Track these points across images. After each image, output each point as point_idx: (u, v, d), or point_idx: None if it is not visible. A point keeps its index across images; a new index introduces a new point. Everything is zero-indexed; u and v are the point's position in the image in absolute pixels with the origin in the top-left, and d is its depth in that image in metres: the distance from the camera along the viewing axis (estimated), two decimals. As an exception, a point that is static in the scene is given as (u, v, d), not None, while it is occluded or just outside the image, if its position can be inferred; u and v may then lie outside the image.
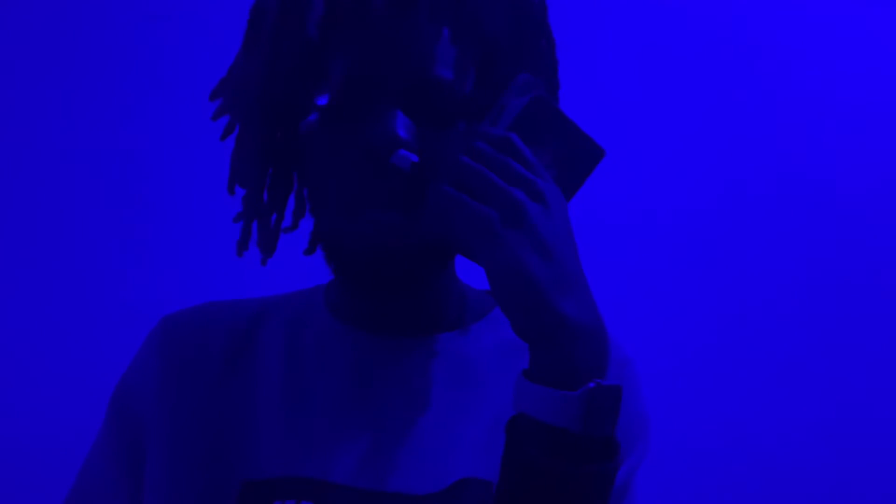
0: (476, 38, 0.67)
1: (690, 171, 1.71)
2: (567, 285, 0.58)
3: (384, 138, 0.63)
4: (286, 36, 0.68)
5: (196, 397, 0.73)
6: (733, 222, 1.70)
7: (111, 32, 1.75)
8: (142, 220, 1.71)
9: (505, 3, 0.70)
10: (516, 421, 0.60)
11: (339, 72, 0.65)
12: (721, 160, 1.72)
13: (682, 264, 1.68)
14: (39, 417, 1.61)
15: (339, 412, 0.70)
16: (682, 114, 1.72)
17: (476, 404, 0.71)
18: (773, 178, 1.70)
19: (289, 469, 0.67)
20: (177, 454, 0.71)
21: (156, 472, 0.71)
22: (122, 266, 1.68)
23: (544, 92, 0.67)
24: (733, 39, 1.74)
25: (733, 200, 1.71)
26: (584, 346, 0.58)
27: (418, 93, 0.65)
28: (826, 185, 1.70)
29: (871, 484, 1.63)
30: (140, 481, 0.72)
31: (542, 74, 0.72)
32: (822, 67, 1.73)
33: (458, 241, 0.61)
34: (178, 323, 0.77)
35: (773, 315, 1.67)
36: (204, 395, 0.73)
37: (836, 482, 1.63)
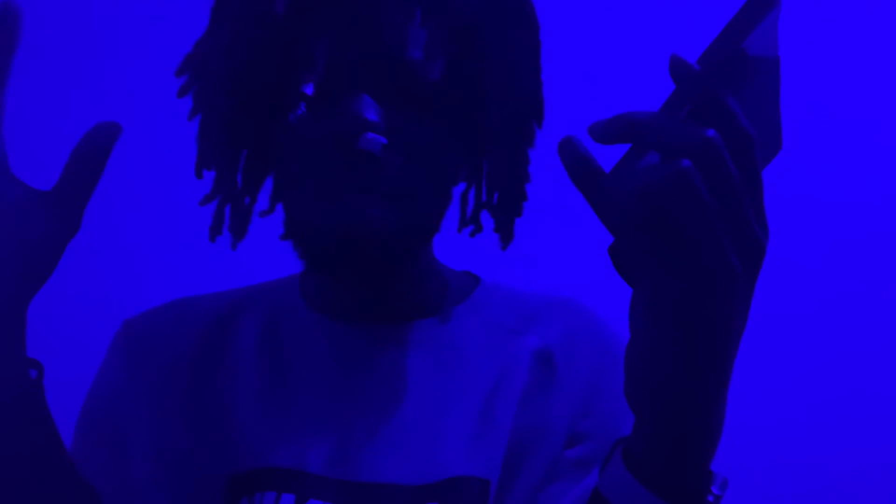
0: (448, 22, 0.64)
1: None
2: (726, 383, 0.47)
3: (351, 122, 0.61)
4: (251, 13, 0.65)
5: (171, 397, 0.71)
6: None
7: (113, 34, 1.74)
8: (141, 220, 1.68)
9: None
10: None
11: (306, 53, 0.63)
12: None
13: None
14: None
15: (319, 403, 0.69)
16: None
17: (462, 390, 0.69)
18: (779, 179, 1.68)
19: (269, 460, 0.66)
20: (160, 456, 0.69)
21: (140, 475, 0.70)
22: (99, 264, 1.67)
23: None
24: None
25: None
26: (713, 454, 0.49)
27: (388, 76, 0.62)
28: (832, 184, 1.69)
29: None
30: (124, 488, 0.70)
31: (521, 63, 0.69)
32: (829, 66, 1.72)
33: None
34: (139, 326, 0.75)
35: (773, 313, 1.66)
36: (179, 394, 0.71)
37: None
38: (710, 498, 0.50)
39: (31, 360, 0.59)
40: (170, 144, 1.66)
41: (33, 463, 0.60)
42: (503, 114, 0.67)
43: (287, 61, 0.64)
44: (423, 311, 0.72)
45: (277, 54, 0.64)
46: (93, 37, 1.77)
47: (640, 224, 0.41)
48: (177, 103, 0.71)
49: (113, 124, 0.54)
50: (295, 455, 0.66)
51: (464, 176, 0.73)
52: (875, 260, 1.67)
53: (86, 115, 1.74)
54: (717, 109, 0.41)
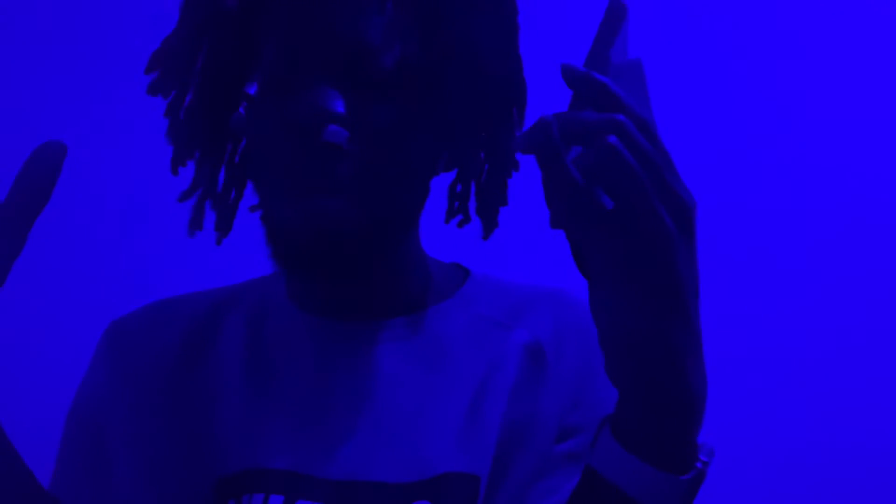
0: (412, 4, 0.63)
1: (692, 172, 1.69)
2: (697, 343, 0.49)
3: (314, 114, 0.60)
4: (207, 7, 0.65)
5: (156, 398, 0.70)
6: (735, 222, 1.69)
7: (112, 33, 1.74)
8: (129, 220, 1.69)
9: None
10: (602, 485, 0.52)
11: (264, 46, 0.63)
12: (721, 160, 1.70)
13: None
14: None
15: (304, 402, 0.68)
16: (685, 114, 1.71)
17: (449, 386, 0.68)
18: (773, 179, 1.69)
19: (256, 461, 0.65)
20: (145, 458, 0.69)
21: (126, 478, 0.69)
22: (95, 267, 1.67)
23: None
24: (734, 40, 1.71)
25: (736, 200, 1.69)
26: (700, 420, 0.51)
27: (350, 65, 0.62)
28: (825, 185, 1.69)
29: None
30: (111, 492, 0.70)
31: (492, 45, 0.67)
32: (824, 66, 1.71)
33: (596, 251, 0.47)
34: (126, 327, 0.75)
35: (771, 313, 1.66)
36: (164, 395, 0.70)
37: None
38: (699, 464, 0.51)
39: None
40: (156, 145, 1.66)
41: None
42: (472, 97, 0.66)
43: (248, 55, 0.64)
44: (409, 306, 0.72)
45: (237, 48, 0.64)
46: (81, 36, 1.77)
47: (587, 205, 0.44)
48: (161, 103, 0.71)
49: (58, 143, 0.53)
50: (282, 455, 0.65)
51: (447, 165, 0.71)
52: (871, 259, 1.66)
53: (72, 115, 1.74)
54: (612, 103, 0.46)
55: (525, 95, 0.71)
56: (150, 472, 0.68)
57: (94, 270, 1.68)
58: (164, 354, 0.72)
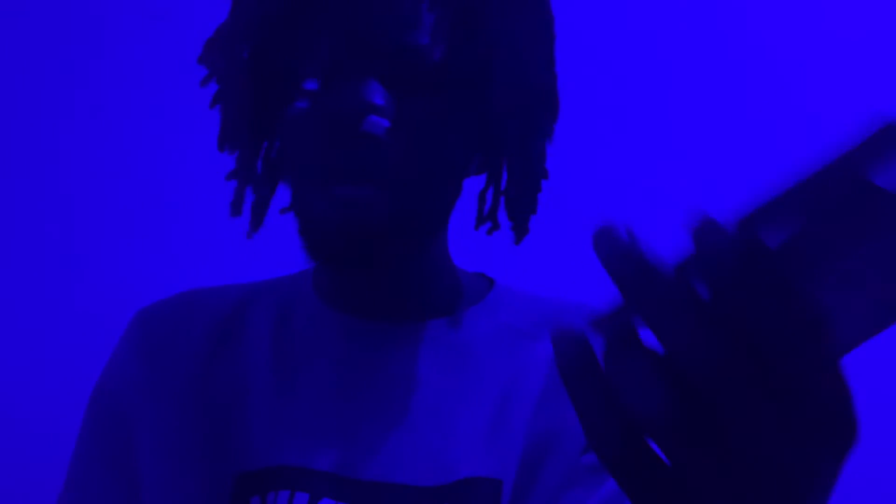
0: (454, 5, 0.63)
1: (693, 172, 1.70)
2: None
3: (354, 105, 0.60)
4: (255, 1, 0.65)
5: (182, 389, 0.70)
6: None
7: (113, 32, 1.74)
8: (140, 216, 1.69)
9: None
10: None
11: (310, 40, 0.63)
12: (725, 161, 1.70)
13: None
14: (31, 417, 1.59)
15: (330, 400, 0.68)
16: (687, 112, 1.71)
17: (474, 392, 0.68)
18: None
19: (282, 458, 0.65)
20: (168, 449, 0.68)
21: (148, 468, 0.69)
22: (115, 259, 1.67)
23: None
24: (731, 39, 1.71)
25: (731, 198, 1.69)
26: None
27: (392, 59, 0.62)
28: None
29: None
30: (134, 480, 0.70)
31: (530, 52, 0.68)
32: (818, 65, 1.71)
33: None
34: (154, 315, 0.75)
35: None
36: (190, 385, 0.70)
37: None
38: None
39: None
40: (185, 144, 1.66)
41: None
42: (509, 101, 0.67)
43: (291, 49, 0.64)
44: (437, 310, 0.72)
45: (281, 43, 0.64)
46: (92, 34, 1.77)
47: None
48: (190, 100, 0.71)
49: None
50: (308, 453, 0.65)
51: (478, 169, 0.72)
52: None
53: (87, 114, 1.73)
54: (771, 284, 0.29)
55: (557, 109, 0.72)
56: (172, 463, 0.68)
57: (113, 265, 1.68)
58: (191, 345, 0.72)
